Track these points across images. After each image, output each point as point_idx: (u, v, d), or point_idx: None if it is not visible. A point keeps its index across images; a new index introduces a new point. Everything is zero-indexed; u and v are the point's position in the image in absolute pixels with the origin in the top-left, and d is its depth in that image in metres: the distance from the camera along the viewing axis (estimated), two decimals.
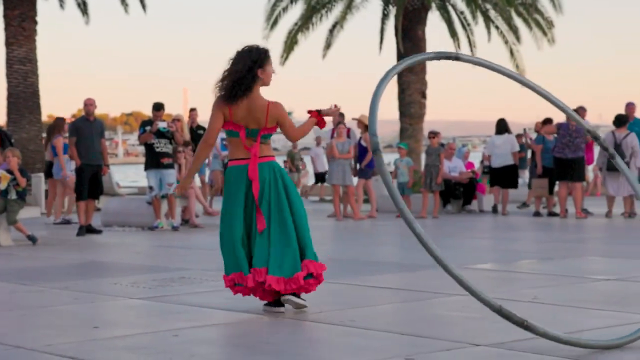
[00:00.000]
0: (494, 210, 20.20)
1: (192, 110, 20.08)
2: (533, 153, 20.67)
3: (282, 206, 7.33)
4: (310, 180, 31.20)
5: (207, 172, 22.21)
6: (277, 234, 7.28)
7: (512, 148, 20.47)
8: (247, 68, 7.34)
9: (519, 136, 22.96)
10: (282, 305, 7.30)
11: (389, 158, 28.82)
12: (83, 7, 27.71)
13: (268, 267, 7.19)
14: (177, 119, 16.92)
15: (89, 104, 15.95)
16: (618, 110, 18.78)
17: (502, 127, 20.88)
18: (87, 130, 15.76)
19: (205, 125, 7.91)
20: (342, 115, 20.67)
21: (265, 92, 7.54)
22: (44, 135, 22.44)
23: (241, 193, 7.36)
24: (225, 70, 7.40)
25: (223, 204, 7.47)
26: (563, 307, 7.35)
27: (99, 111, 20.54)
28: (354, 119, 19.64)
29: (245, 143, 7.39)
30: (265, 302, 7.43)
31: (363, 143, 19.02)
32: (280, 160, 9.34)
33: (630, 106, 18.89)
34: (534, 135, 21.73)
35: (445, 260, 5.68)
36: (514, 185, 20.80)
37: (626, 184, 18.28)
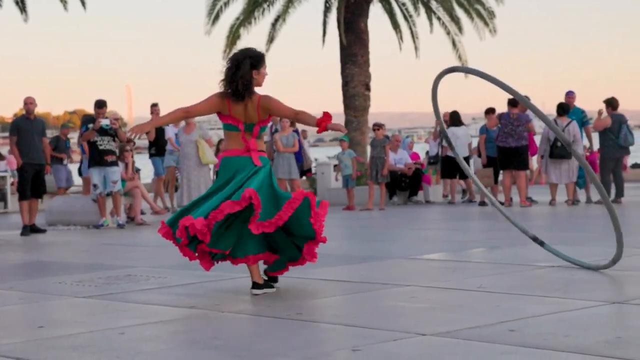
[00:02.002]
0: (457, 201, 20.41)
1: (155, 105, 19.93)
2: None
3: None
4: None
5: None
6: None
7: (468, 139, 20.74)
8: (248, 70, 7.93)
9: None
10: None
11: (334, 151, 28.88)
12: (21, 5, 27.31)
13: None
14: (114, 118, 16.71)
15: (29, 103, 15.80)
16: (561, 99, 18.97)
17: (456, 119, 21.11)
18: (28, 129, 15.62)
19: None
20: None
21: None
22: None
23: (237, 177, 7.88)
24: (231, 71, 7.93)
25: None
26: (508, 295, 7.41)
27: (41, 110, 20.58)
28: None
29: (245, 136, 7.96)
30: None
31: None
32: None
33: (570, 95, 19.08)
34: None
35: None
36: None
37: (568, 171, 18.48)
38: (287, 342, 5.93)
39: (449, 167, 20.79)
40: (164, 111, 20.32)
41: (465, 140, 20.71)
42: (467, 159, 20.77)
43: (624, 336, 5.66)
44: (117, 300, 7.88)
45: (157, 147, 19.96)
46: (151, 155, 20.21)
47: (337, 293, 8.10)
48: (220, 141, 21.46)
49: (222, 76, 8.01)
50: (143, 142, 37.29)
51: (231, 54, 8.18)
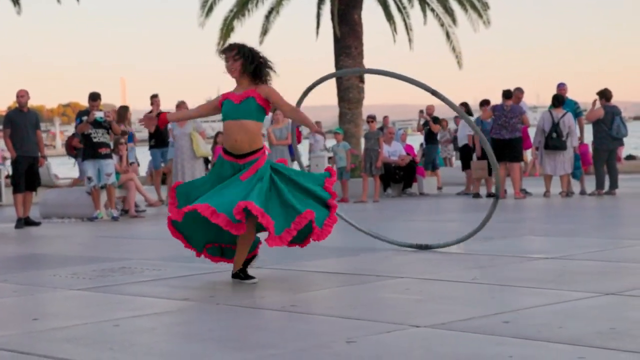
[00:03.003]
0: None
1: (155, 96, 19.87)
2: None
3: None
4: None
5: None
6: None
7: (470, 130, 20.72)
8: None
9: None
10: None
11: (328, 144, 28.86)
12: None
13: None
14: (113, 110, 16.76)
15: (21, 96, 15.82)
16: (555, 91, 18.97)
17: (468, 110, 21.16)
18: (21, 121, 15.63)
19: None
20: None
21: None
22: None
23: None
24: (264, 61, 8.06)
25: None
26: (502, 287, 7.42)
27: (35, 103, 20.53)
28: None
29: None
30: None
31: None
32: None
33: (561, 87, 19.07)
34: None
35: None
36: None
37: (563, 163, 18.49)
38: (281, 334, 5.94)
39: (469, 158, 20.66)
40: (163, 102, 20.32)
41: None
42: (470, 151, 20.69)
43: (618, 327, 5.66)
44: (111, 293, 7.88)
45: (157, 138, 19.90)
46: (151, 147, 20.18)
47: (331, 285, 8.11)
48: (217, 134, 21.39)
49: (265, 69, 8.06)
50: (140, 134, 37.10)
51: (253, 48, 8.15)
